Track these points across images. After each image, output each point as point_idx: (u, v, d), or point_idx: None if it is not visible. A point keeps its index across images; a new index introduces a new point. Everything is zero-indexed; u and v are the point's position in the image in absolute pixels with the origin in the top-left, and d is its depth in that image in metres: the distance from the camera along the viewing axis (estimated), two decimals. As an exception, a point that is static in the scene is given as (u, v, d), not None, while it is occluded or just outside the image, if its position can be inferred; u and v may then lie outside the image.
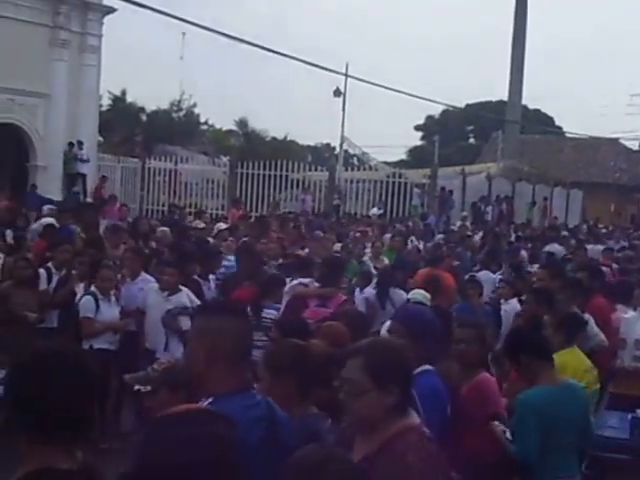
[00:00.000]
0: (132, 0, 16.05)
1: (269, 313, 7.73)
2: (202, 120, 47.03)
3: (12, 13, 22.64)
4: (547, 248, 16.37)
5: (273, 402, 3.16)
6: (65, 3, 23.98)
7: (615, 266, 13.80)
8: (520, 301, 9.02)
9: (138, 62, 78.57)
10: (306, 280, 8.51)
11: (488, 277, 11.11)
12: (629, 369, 8.48)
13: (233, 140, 46.79)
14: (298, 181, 28.01)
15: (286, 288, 8.40)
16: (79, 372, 2.53)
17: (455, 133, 58.46)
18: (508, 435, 5.07)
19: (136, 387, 4.14)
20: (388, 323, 5.38)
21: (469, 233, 18.47)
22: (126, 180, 28.22)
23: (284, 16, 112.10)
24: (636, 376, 8.23)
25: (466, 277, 10.47)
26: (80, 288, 8.71)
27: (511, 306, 9.13)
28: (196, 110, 45.40)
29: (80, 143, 24.39)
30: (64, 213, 14.47)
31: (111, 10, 25.35)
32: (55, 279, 9.16)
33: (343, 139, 34.76)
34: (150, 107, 43.42)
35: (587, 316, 7.82)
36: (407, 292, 8.20)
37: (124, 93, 42.87)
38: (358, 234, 15.59)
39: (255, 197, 27.12)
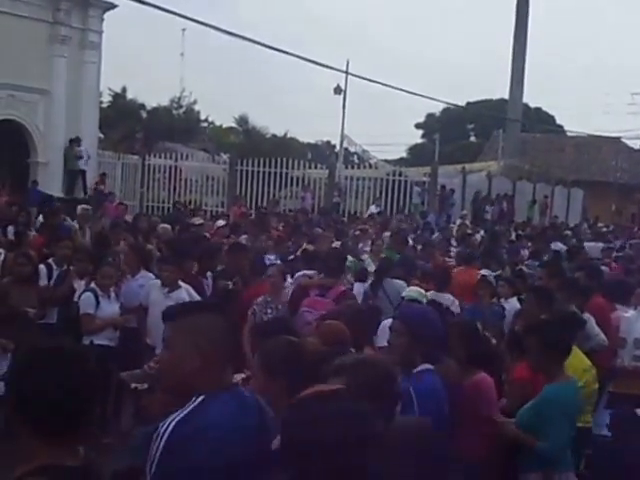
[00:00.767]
0: (133, -4, 15.98)
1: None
2: (202, 117, 47.08)
3: (12, 9, 22.63)
4: (552, 246, 16.41)
5: (262, 400, 3.14)
6: (66, -1, 24.00)
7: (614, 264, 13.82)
8: (520, 300, 9.01)
9: (138, 59, 78.63)
10: (310, 272, 9.00)
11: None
12: (629, 368, 8.48)
13: (233, 137, 46.83)
14: (298, 179, 27.99)
15: (291, 280, 8.85)
16: (80, 368, 2.55)
17: (456, 131, 58.45)
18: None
19: (133, 385, 4.11)
20: (388, 321, 5.38)
21: (469, 231, 18.46)
22: (126, 177, 28.22)
23: (284, 14, 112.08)
24: (636, 375, 8.23)
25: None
26: (80, 284, 8.71)
27: (511, 305, 9.12)
28: (196, 107, 45.48)
29: (79, 140, 24.37)
30: (59, 210, 14.53)
31: (111, 6, 25.33)
32: (55, 275, 9.16)
33: (343, 137, 34.78)
34: (150, 104, 43.52)
35: (587, 316, 7.82)
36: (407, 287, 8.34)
37: (124, 90, 42.95)
38: (358, 232, 15.59)
39: (255, 194, 27.11)
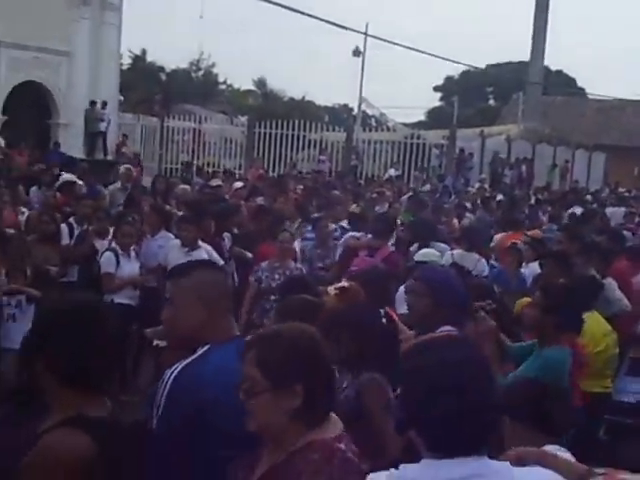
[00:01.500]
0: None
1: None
2: (221, 80, 46.92)
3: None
4: (570, 210, 16.30)
5: None
6: (87, -40, 23.87)
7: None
8: (541, 265, 8.94)
9: (158, 21, 78.24)
10: (358, 234, 9.54)
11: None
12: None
13: (251, 100, 46.68)
14: (315, 141, 27.94)
15: (340, 241, 9.57)
16: (104, 324, 2.61)
17: (475, 94, 57.89)
18: None
19: (155, 342, 4.17)
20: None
21: (487, 195, 18.36)
22: (145, 139, 28.25)
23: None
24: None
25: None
26: (100, 244, 8.78)
27: (531, 269, 9.04)
28: (215, 70, 45.30)
29: (104, 103, 24.42)
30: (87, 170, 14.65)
31: (132, -33, 25.18)
32: (76, 234, 9.27)
33: (361, 99, 34.56)
34: (169, 66, 43.39)
35: (609, 280, 7.74)
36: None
37: (144, 52, 42.83)
38: (375, 195, 15.54)
39: (272, 157, 27.09)
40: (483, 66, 54.95)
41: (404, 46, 25.45)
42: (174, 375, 2.85)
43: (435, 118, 56.10)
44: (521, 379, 4.34)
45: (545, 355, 4.89)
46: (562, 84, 51.70)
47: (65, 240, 9.11)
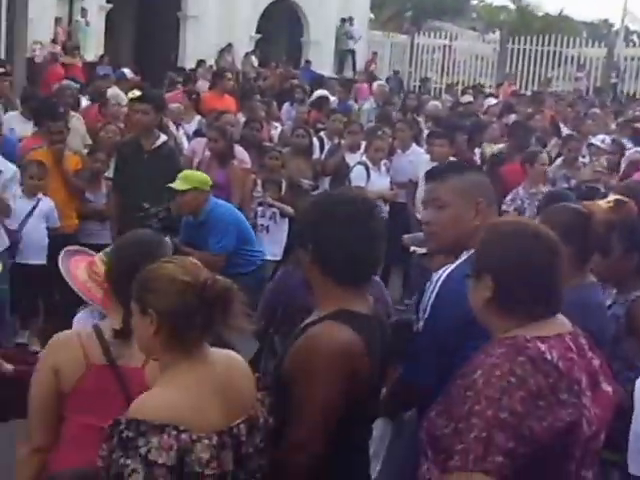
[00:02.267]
0: None
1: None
2: (473, -5, 45.61)
3: None
4: None
5: None
6: None
7: None
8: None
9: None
10: None
11: None
12: None
13: (504, 15, 45.09)
14: (572, 58, 26.62)
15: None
16: (368, 218, 2.62)
17: None
18: None
19: (412, 248, 4.22)
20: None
21: None
22: (395, 57, 28.16)
23: None
24: None
25: None
26: (351, 157, 8.83)
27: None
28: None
29: (351, 19, 24.58)
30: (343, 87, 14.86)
31: None
32: (327, 148, 9.39)
33: (625, 12, 32.26)
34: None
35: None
36: None
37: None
38: (638, 113, 14.50)
39: (525, 74, 26.16)
40: None
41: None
42: (441, 280, 2.78)
43: None
44: None
45: None
46: None
47: (316, 154, 9.26)
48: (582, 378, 2.27)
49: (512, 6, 43.92)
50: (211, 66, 18.04)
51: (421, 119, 12.07)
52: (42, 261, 6.55)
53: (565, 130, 11.85)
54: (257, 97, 12.13)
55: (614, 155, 8.90)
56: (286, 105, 13.45)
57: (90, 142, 8.46)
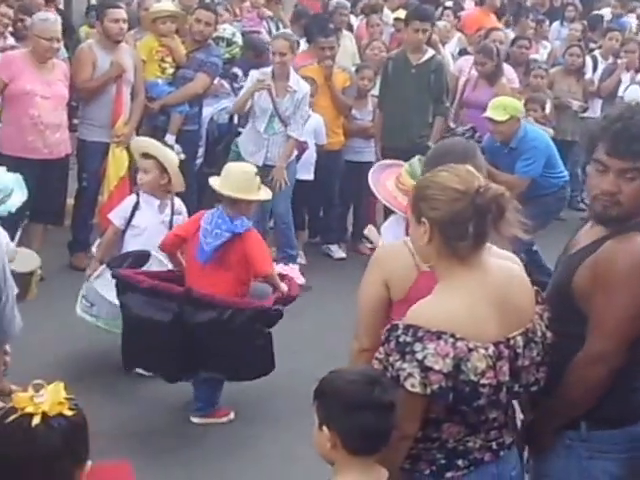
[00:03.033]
0: None
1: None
2: None
3: None
4: None
5: None
6: None
7: None
8: None
9: None
10: None
11: None
12: None
13: None
14: None
15: None
16: None
17: None
18: None
19: None
20: None
21: None
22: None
23: None
24: None
25: None
26: (626, 77, 8.36)
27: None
28: None
29: None
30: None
31: None
32: (601, 68, 9.07)
33: None
34: None
35: None
36: None
37: None
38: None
39: None
40: None
41: None
42: None
43: None
44: None
45: None
46: None
47: (589, 74, 8.94)
48: None
49: None
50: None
51: None
52: (310, 177, 6.75)
53: None
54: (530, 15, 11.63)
55: None
56: (555, 24, 12.80)
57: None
